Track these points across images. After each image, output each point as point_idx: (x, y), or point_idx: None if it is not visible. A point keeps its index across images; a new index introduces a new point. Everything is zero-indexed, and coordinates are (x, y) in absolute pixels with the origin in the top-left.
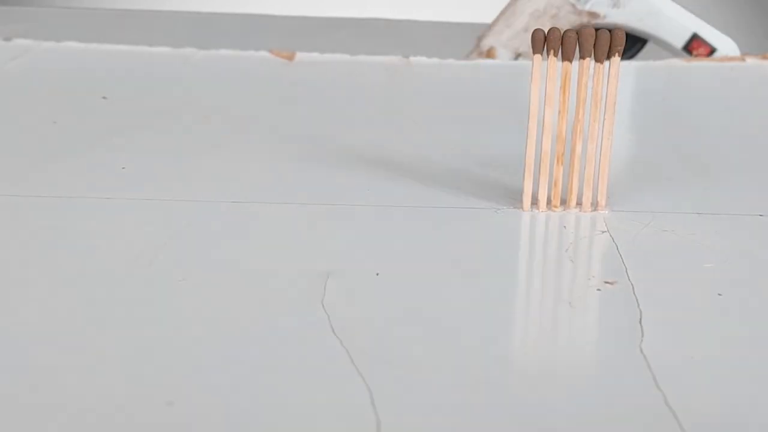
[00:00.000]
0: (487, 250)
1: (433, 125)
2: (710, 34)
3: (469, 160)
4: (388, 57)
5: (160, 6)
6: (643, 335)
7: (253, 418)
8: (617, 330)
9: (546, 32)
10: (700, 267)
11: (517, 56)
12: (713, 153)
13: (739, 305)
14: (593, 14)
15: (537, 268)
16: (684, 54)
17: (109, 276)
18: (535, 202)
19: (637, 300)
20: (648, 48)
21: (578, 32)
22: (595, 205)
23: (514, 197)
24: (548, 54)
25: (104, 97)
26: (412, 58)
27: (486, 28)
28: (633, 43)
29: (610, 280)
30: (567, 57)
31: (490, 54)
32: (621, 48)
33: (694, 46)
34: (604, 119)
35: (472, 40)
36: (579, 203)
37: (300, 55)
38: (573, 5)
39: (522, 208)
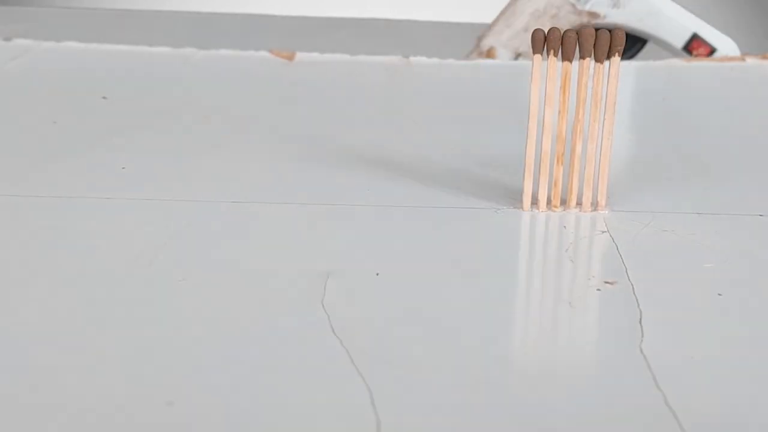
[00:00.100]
0: (487, 250)
1: (433, 125)
2: (710, 34)
3: (469, 160)
4: (388, 57)
5: (160, 6)
6: (643, 335)
7: (253, 418)
8: (617, 330)
9: (546, 32)
10: (700, 267)
11: (517, 56)
12: (713, 153)
13: (739, 305)
14: (593, 14)
15: (537, 268)
16: (684, 54)
17: (109, 276)
18: (535, 202)
19: (637, 300)
20: (648, 48)
21: (578, 32)
22: (595, 205)
23: (514, 197)
24: (548, 54)
25: (104, 97)
26: (412, 58)
27: (486, 28)
28: (633, 43)
29: (610, 280)
30: (567, 57)
31: (490, 54)
32: (621, 48)
33: (694, 46)
34: (604, 119)
35: (472, 40)
36: (579, 203)
37: (300, 55)
38: (573, 5)
39: (522, 208)
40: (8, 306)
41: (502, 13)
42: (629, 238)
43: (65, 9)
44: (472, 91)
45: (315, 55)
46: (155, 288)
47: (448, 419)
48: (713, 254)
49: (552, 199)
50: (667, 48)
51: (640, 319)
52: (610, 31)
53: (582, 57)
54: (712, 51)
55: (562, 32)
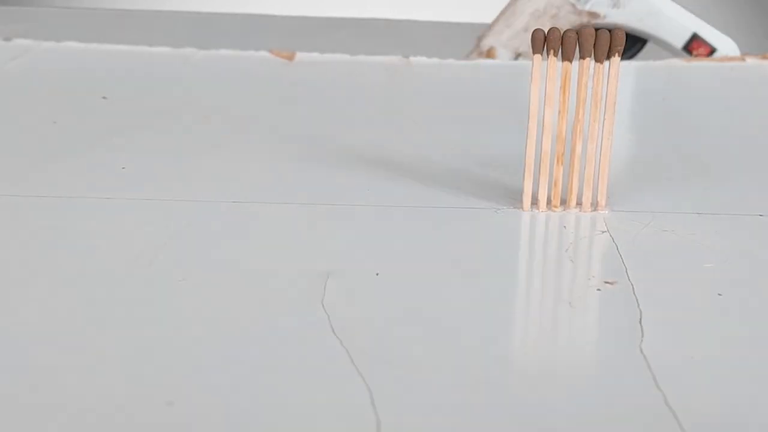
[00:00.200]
0: (487, 250)
1: (433, 125)
2: (710, 34)
3: (469, 160)
4: (388, 57)
5: (160, 6)
6: (643, 335)
7: (253, 418)
8: (617, 330)
9: (546, 32)
10: (700, 267)
11: (517, 56)
12: (713, 153)
13: (739, 305)
14: (593, 14)
15: (537, 268)
16: (684, 54)
17: (109, 276)
18: (535, 202)
19: (637, 300)
20: (648, 48)
21: (578, 32)
22: (595, 205)
23: (514, 197)
24: (548, 54)
25: (104, 97)
26: (412, 58)
27: (486, 28)
28: (633, 43)
29: (610, 280)
30: (567, 57)
31: (490, 54)
32: (621, 48)
33: (694, 46)
34: (604, 119)
35: (472, 40)
36: (579, 203)
37: (300, 55)
38: (573, 5)
39: (522, 208)
40: (8, 306)
41: (502, 13)
42: (629, 238)
43: (65, 9)
44: (472, 91)
45: (315, 55)
46: (155, 288)
47: (448, 419)
48: (713, 254)
49: (552, 199)
50: (667, 48)
51: (640, 319)
52: (610, 31)
53: (582, 57)
54: (712, 51)
55: (562, 32)
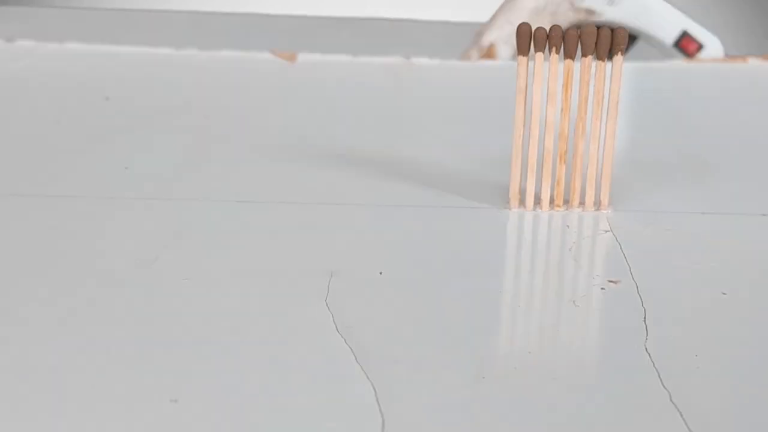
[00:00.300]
0: (489, 250)
1: (434, 125)
2: (698, 31)
3: (469, 160)
4: (389, 58)
5: (162, 6)
6: (647, 334)
7: (257, 417)
8: (622, 329)
9: (535, 30)
10: (704, 266)
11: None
12: (716, 153)
13: (744, 304)
14: (590, 11)
15: (540, 267)
16: (674, 50)
17: (110, 276)
18: (537, 201)
19: (641, 299)
20: (648, 48)
21: (580, 31)
22: (597, 205)
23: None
24: (550, 52)
25: (107, 98)
26: (413, 59)
27: (484, 24)
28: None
29: (613, 279)
30: (569, 55)
31: (490, 53)
32: (623, 47)
33: (683, 43)
34: (607, 119)
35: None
36: (582, 203)
37: (302, 56)
38: (571, 2)
39: (524, 207)
40: (8, 306)
41: (501, 8)
42: (633, 238)
43: (67, 9)
44: (472, 92)
45: (317, 56)
46: (156, 288)
47: (450, 418)
48: (717, 253)
49: (555, 198)
50: (656, 45)
51: (645, 317)
52: (612, 30)
53: (584, 55)
54: (699, 47)
55: (564, 31)
